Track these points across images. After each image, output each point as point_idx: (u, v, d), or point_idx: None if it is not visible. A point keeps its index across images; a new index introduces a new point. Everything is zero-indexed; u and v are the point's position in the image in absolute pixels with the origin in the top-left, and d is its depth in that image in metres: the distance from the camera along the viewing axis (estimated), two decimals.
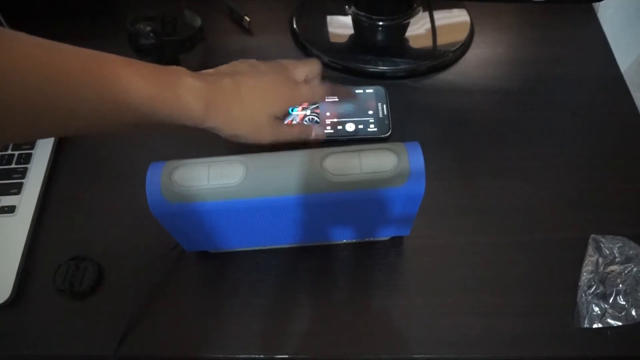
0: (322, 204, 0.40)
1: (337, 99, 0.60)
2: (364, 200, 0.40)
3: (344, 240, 0.51)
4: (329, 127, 0.58)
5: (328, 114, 0.59)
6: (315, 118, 0.59)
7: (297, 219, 0.43)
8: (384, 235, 0.51)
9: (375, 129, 0.58)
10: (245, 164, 0.39)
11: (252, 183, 0.39)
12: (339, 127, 0.58)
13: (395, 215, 0.44)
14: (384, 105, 0.60)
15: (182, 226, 0.43)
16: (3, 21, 0.50)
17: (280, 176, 0.39)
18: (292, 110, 0.59)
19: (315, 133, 0.54)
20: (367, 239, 0.51)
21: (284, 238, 0.48)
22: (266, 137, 0.48)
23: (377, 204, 0.42)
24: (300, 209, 0.41)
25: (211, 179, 0.39)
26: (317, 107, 0.60)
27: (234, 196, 0.39)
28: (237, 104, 0.46)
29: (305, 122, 0.59)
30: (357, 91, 0.61)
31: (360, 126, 0.59)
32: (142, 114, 0.41)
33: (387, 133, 0.58)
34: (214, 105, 0.44)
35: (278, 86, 0.49)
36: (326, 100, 0.60)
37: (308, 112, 0.59)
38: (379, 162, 0.39)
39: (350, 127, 0.58)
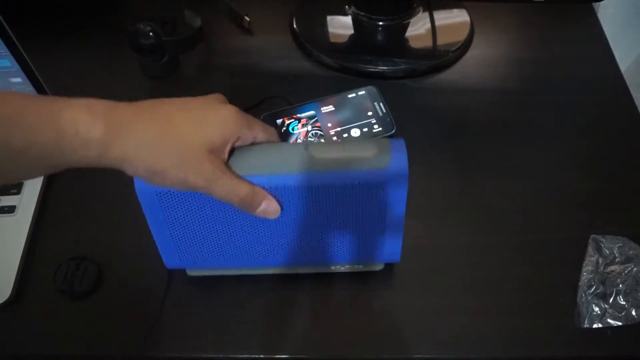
0: (306, 187, 0.40)
1: (333, 108, 0.59)
2: (348, 185, 0.40)
3: (332, 268, 0.49)
4: (334, 138, 0.57)
5: (329, 124, 0.58)
6: (319, 132, 0.57)
7: (284, 210, 0.42)
8: (376, 258, 0.48)
9: (380, 128, 0.58)
10: None
11: (236, 165, 0.39)
12: (345, 135, 0.57)
13: (383, 211, 0.43)
14: (381, 104, 0.59)
15: (174, 225, 0.43)
16: (3, 21, 0.50)
17: (265, 158, 0.40)
18: (292, 129, 0.58)
19: (265, 207, 0.39)
20: (359, 265, 0.49)
21: (274, 251, 0.46)
22: (194, 176, 0.35)
23: (362, 190, 0.41)
24: (286, 193, 0.40)
25: None
26: (317, 121, 0.58)
27: None
28: (156, 124, 0.34)
29: (309, 139, 0.57)
30: (349, 96, 0.60)
31: (365, 129, 0.58)
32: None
33: (392, 131, 0.57)
34: (119, 124, 0.33)
35: (218, 109, 0.38)
36: (322, 110, 0.58)
37: (309, 127, 0.58)
38: (362, 146, 0.40)
39: (355, 132, 0.57)
